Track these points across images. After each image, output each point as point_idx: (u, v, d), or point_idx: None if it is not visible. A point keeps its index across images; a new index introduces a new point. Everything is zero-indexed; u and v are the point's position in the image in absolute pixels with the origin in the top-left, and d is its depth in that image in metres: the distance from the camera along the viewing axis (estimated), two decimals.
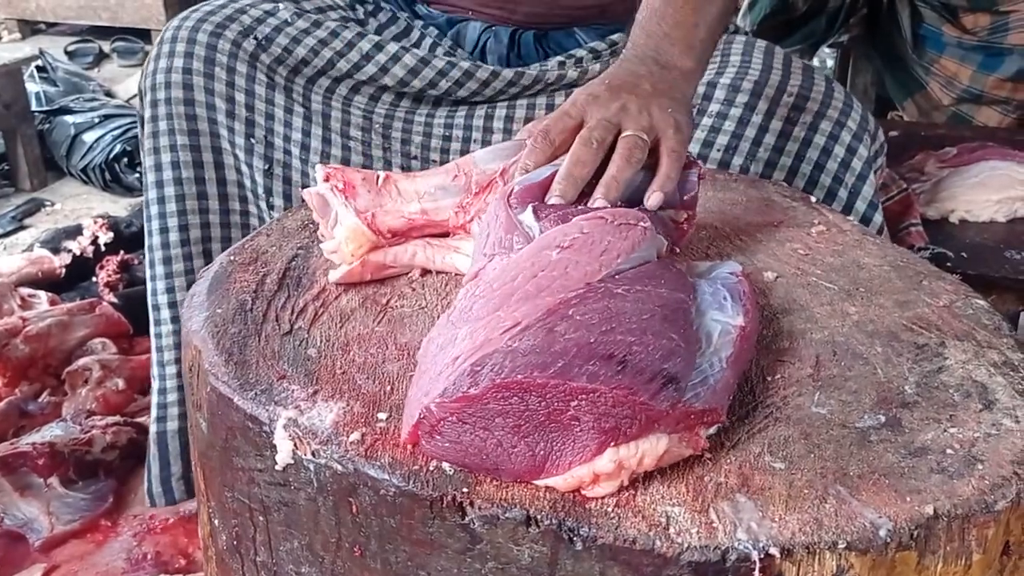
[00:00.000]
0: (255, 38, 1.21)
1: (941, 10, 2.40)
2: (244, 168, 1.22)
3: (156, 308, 1.24)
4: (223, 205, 1.24)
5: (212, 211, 1.23)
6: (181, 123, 1.20)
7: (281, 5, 1.25)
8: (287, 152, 1.22)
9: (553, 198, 0.81)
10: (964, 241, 1.57)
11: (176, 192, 1.21)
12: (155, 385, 1.27)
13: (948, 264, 1.45)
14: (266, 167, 1.22)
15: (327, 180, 0.86)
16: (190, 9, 1.25)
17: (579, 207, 0.81)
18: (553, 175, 0.83)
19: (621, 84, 0.91)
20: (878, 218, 1.17)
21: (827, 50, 3.02)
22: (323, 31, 1.25)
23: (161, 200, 1.21)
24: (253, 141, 1.21)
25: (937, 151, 1.83)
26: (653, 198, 0.83)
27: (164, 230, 1.21)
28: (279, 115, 1.22)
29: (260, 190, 1.22)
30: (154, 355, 1.27)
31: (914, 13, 2.46)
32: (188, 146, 1.21)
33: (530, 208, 0.79)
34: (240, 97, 1.21)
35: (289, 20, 1.24)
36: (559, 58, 1.31)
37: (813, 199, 1.08)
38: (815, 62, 2.93)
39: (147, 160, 1.22)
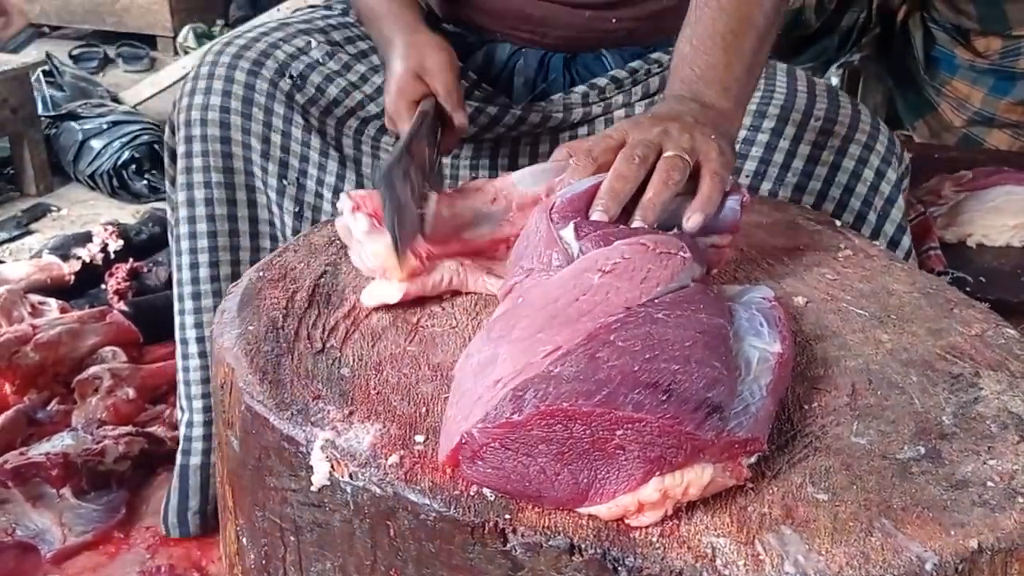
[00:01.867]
0: (290, 76, 1.21)
1: (953, 32, 2.41)
2: (275, 209, 1.22)
3: (184, 342, 1.24)
4: (254, 243, 1.24)
5: (243, 248, 1.23)
6: (217, 160, 1.19)
7: (313, 42, 1.25)
8: (319, 196, 1.22)
9: (596, 213, 0.81)
10: (982, 266, 1.58)
11: (208, 229, 1.20)
12: (182, 417, 1.27)
13: (967, 289, 1.45)
14: (296, 210, 1.22)
15: (356, 210, 0.85)
16: (223, 42, 1.24)
17: (620, 227, 0.81)
18: (595, 188, 0.83)
19: (664, 115, 0.91)
20: (906, 241, 1.17)
21: (833, 69, 3.03)
22: (353, 74, 1.25)
23: (193, 236, 1.20)
24: (286, 183, 1.21)
25: (951, 174, 1.84)
26: (693, 219, 0.82)
27: (194, 265, 1.21)
28: (314, 158, 1.22)
29: (289, 232, 1.22)
30: (181, 388, 1.27)
31: (927, 35, 2.47)
32: (223, 184, 1.20)
33: (572, 225, 0.79)
34: (276, 138, 1.20)
35: (321, 60, 1.24)
36: (583, 88, 1.31)
37: (838, 223, 1.09)
38: None
39: (180, 195, 1.21)
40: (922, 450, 0.69)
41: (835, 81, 3.14)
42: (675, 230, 0.83)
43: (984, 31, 2.36)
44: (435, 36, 1.16)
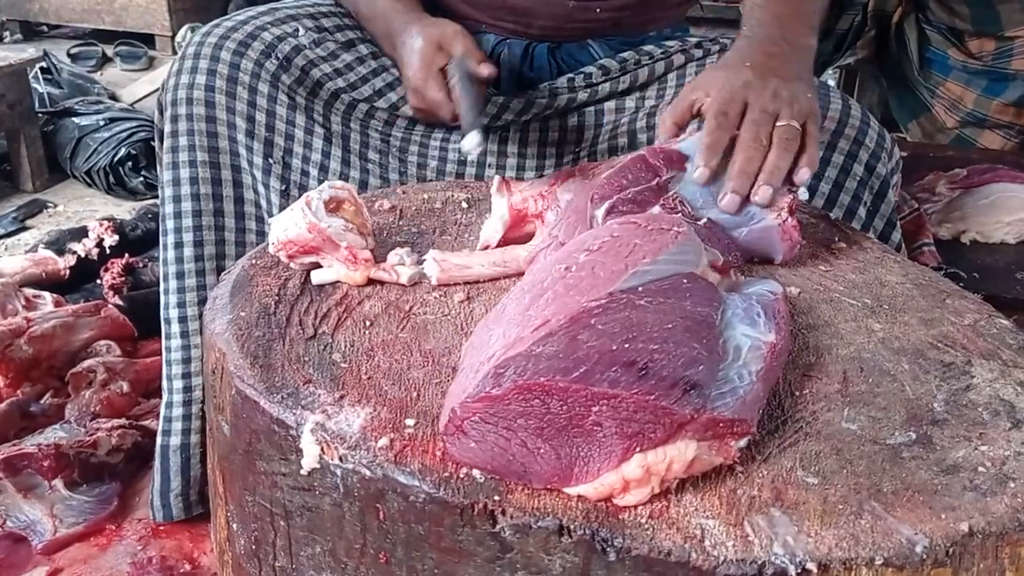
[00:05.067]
0: (277, 57, 1.22)
1: (948, 34, 2.42)
2: (261, 188, 1.22)
3: (167, 322, 1.23)
4: (239, 223, 1.23)
5: (228, 228, 1.22)
6: (202, 139, 1.20)
7: (301, 28, 1.26)
8: (305, 173, 1.22)
9: (728, 196, 0.92)
10: (976, 262, 1.58)
11: (193, 207, 1.20)
12: (164, 398, 1.27)
13: (960, 284, 1.45)
14: (283, 188, 1.21)
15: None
16: (211, 24, 1.25)
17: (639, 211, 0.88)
18: (625, 167, 0.93)
19: (764, 66, 1.02)
20: (896, 236, 1.17)
21: (829, 71, 3.03)
22: (340, 62, 1.26)
23: (178, 215, 1.20)
24: (271, 161, 1.21)
25: (946, 172, 1.84)
26: (801, 173, 0.94)
27: (179, 244, 1.20)
28: (299, 136, 1.22)
29: (275, 210, 1.22)
30: (164, 368, 1.26)
31: (921, 36, 2.47)
32: (207, 162, 1.20)
33: (606, 205, 0.86)
34: (261, 117, 1.20)
35: (308, 46, 1.24)
36: (569, 75, 1.31)
37: (833, 216, 1.09)
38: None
39: (165, 174, 1.21)
40: (913, 436, 0.69)
41: (831, 83, 3.14)
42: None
43: (978, 32, 2.36)
44: (442, 18, 1.26)
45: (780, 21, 1.07)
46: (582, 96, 1.30)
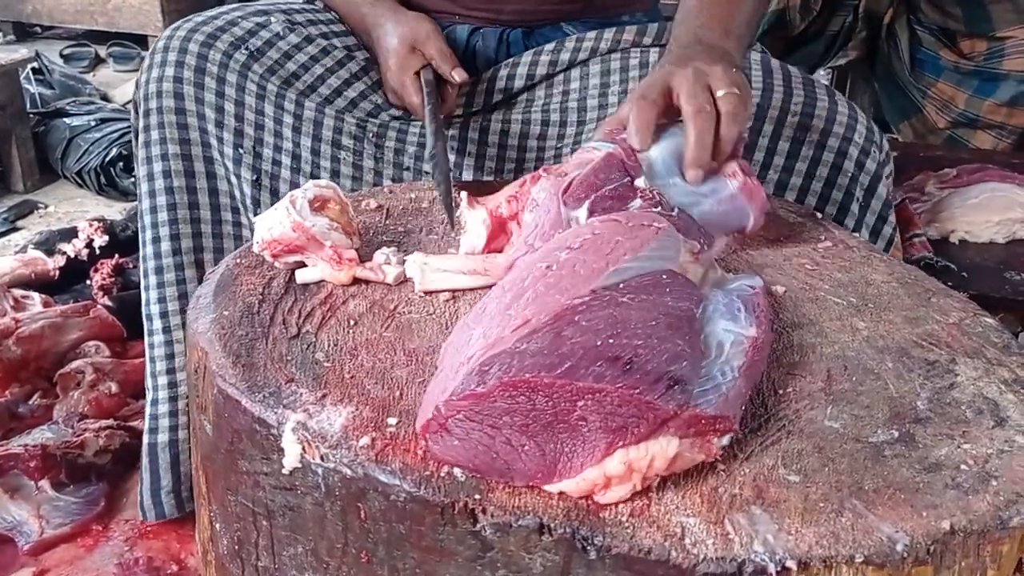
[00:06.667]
0: (247, 49, 1.22)
1: (939, 34, 2.42)
2: (233, 179, 1.22)
3: (149, 318, 1.23)
4: (215, 215, 1.23)
5: (204, 221, 1.22)
6: (172, 132, 1.19)
7: (272, 18, 1.26)
8: (276, 163, 1.22)
9: (690, 172, 0.90)
10: (964, 261, 1.58)
11: (168, 201, 1.19)
12: (148, 396, 1.26)
13: (949, 283, 1.45)
14: (254, 178, 1.21)
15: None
16: (183, 19, 1.25)
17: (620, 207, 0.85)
18: (601, 165, 0.89)
19: (681, 59, 0.98)
20: (888, 230, 1.17)
21: (821, 71, 3.03)
22: (314, 47, 1.26)
23: (154, 209, 1.20)
24: (241, 151, 1.20)
25: (936, 171, 1.84)
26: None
27: (156, 239, 1.20)
28: (269, 126, 1.22)
29: (248, 201, 1.22)
30: (147, 365, 1.25)
31: (913, 37, 2.47)
32: (180, 155, 1.20)
33: (586, 206, 0.83)
34: (229, 107, 1.20)
35: (281, 34, 1.24)
36: (549, 46, 1.31)
37: (820, 215, 1.08)
38: None
39: (141, 169, 1.21)
40: (896, 434, 0.69)
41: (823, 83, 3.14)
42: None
43: (970, 33, 2.37)
44: (415, 12, 1.27)
45: (693, 32, 1.06)
46: (564, 57, 1.29)
